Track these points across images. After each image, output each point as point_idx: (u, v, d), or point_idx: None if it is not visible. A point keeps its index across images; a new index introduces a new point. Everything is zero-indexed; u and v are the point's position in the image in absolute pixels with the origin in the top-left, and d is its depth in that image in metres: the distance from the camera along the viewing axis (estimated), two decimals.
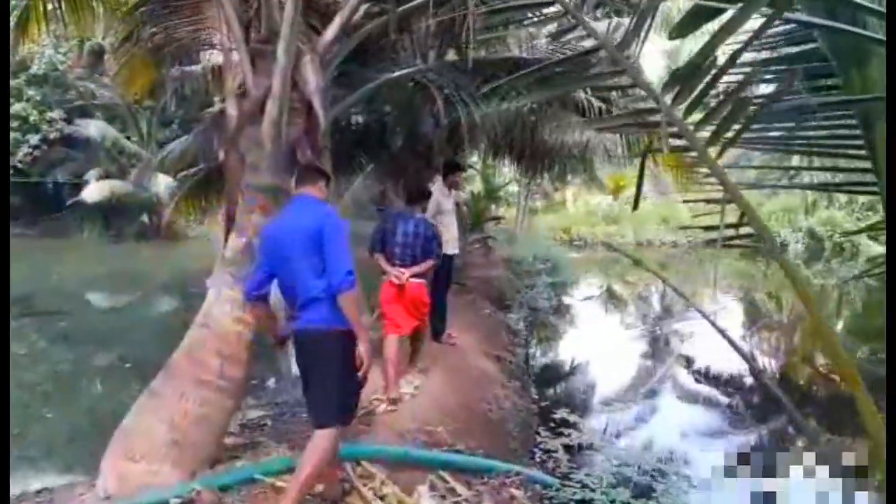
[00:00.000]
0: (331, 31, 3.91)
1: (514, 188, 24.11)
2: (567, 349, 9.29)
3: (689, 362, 9.18)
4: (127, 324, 10.86)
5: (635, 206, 2.89)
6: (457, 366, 5.52)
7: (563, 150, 9.02)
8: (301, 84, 3.79)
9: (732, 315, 14.37)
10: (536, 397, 6.19)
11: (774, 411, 7.12)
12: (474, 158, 14.83)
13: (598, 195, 31.34)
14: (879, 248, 22.56)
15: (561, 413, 5.80)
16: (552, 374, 8.07)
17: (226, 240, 3.87)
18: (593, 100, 8.31)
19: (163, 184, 19.79)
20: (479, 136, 8.87)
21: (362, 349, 3.00)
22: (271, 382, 7.03)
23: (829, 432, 6.57)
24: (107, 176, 21.10)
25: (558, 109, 7.15)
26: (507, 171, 21.49)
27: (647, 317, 13.48)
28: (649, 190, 26.89)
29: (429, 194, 5.95)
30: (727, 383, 8.17)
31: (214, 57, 9.50)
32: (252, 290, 3.28)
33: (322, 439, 2.99)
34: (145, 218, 22.70)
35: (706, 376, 8.42)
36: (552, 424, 5.45)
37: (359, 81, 5.92)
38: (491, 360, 6.20)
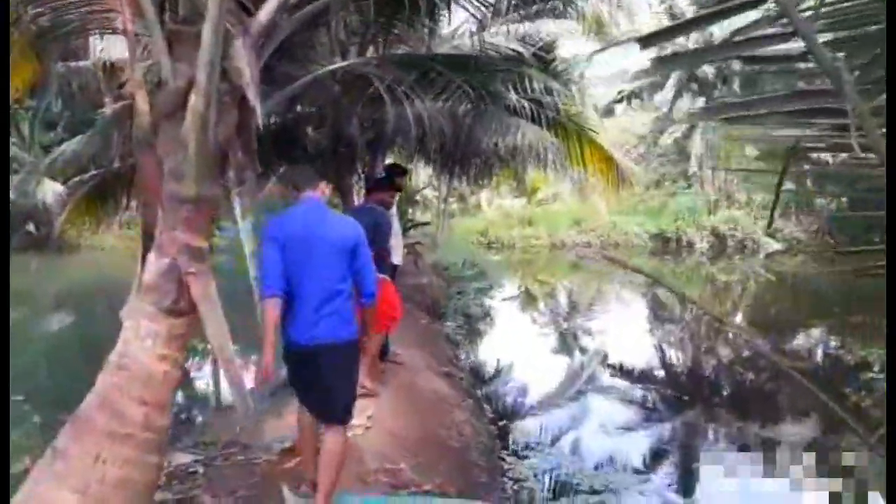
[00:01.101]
0: (266, 11, 3.32)
1: (428, 192, 23.80)
2: (503, 355, 9.00)
3: (604, 358, 9.41)
4: (15, 346, 9.58)
5: (770, 223, 2.44)
6: (408, 388, 5.03)
7: (498, 153, 8.74)
8: (231, 73, 3.19)
9: (639, 310, 14.92)
10: (492, 415, 5.79)
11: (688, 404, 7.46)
12: (388, 161, 14.39)
13: (509, 198, 31.62)
14: (776, 245, 24.07)
15: (518, 429, 5.50)
16: (497, 385, 7.79)
17: (143, 261, 3.20)
18: (525, 102, 8.04)
19: (50, 190, 17.97)
20: (410, 137, 8.40)
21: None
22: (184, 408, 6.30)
23: (740, 420, 6.76)
24: None
25: (498, 111, 6.80)
26: (421, 175, 21.17)
27: (560, 314, 13.75)
28: (564, 190, 27.33)
29: (393, 184, 5.54)
30: (641, 377, 8.46)
31: (107, 51, 8.54)
32: (280, 287, 3.13)
33: (338, 442, 3.17)
34: (31, 227, 20.61)
35: (621, 370, 8.66)
36: (514, 446, 5.08)
37: (280, 78, 5.33)
38: (440, 378, 5.75)
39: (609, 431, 6.14)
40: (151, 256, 3.17)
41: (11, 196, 18.47)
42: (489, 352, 9.40)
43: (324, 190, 3.42)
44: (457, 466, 4.10)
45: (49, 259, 18.82)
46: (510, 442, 5.36)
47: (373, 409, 4.47)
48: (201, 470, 3.84)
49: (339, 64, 5.10)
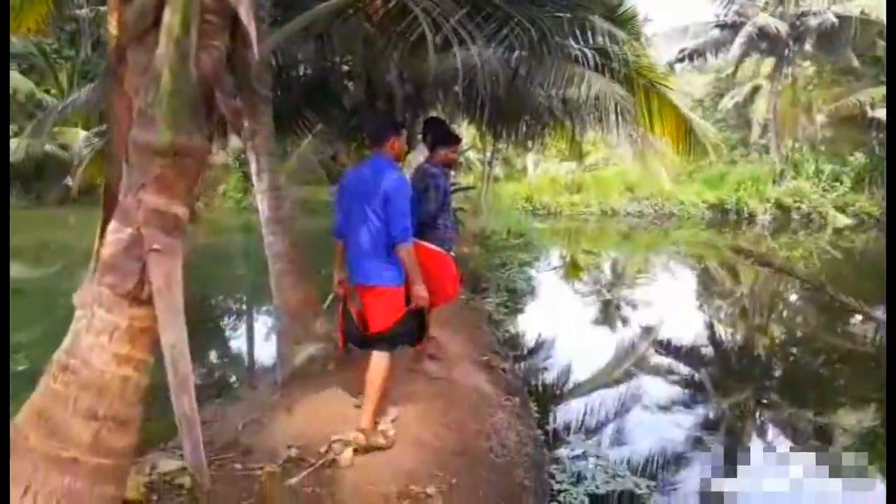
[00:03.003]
0: None
1: (472, 154, 22.81)
2: (546, 329, 8.27)
3: (651, 334, 8.70)
4: (52, 300, 9.24)
5: None
6: (443, 385, 4.27)
7: (552, 108, 7.77)
8: None
9: (687, 284, 14.04)
10: (538, 414, 5.01)
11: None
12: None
13: (554, 162, 30.32)
14: (846, 220, 22.45)
15: (569, 435, 4.75)
16: (538, 362, 7.12)
17: (102, 232, 2.46)
18: (588, 51, 7.03)
19: (83, 141, 17.60)
20: (454, 89, 7.48)
21: (419, 291, 3.46)
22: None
23: (792, 404, 6.16)
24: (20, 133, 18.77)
25: (560, 58, 5.81)
26: (464, 135, 20.20)
27: (610, 285, 12.87)
28: (616, 155, 25.98)
29: (456, 139, 4.91)
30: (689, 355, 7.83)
31: None
32: (338, 232, 3.73)
33: (382, 361, 3.49)
34: (69, 181, 20.42)
35: (667, 348, 8.00)
36: (565, 454, 4.33)
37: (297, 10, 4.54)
38: (481, 371, 4.96)
39: (659, 417, 5.68)
40: (112, 225, 2.43)
41: (46, 147, 18.22)
42: (530, 324, 8.70)
43: (393, 144, 3.60)
44: (499, 489, 3.33)
45: (86, 213, 18.62)
46: (558, 444, 4.64)
47: (398, 411, 3.73)
48: (188, 482, 3.15)
49: None
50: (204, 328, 8.64)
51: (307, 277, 4.84)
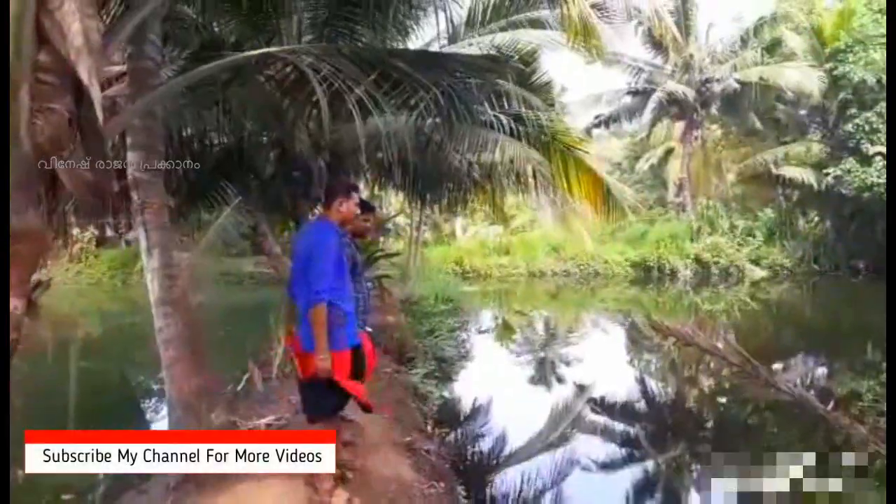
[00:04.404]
0: None
1: (401, 219, 22.74)
2: (482, 402, 7.96)
3: (584, 391, 8.78)
4: None
5: None
6: (357, 477, 3.83)
7: (472, 174, 7.69)
8: (54, 37, 2.05)
9: (617, 339, 14.34)
10: (467, 498, 4.63)
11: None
12: (360, 185, 13.37)
13: (484, 225, 30.71)
14: (761, 273, 23.38)
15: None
16: (473, 429, 6.91)
17: None
18: (503, 117, 7.04)
19: None
20: (373, 158, 7.31)
21: (320, 362, 3.27)
22: None
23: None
24: None
25: (473, 124, 5.70)
26: (392, 201, 20.13)
27: (544, 346, 12.84)
28: (541, 217, 26.46)
29: (367, 206, 4.42)
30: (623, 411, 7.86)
31: None
32: (290, 292, 3.70)
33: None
34: None
35: (602, 405, 8.04)
36: None
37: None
38: (403, 455, 4.54)
39: (598, 478, 5.79)
40: None
41: None
42: (463, 391, 8.44)
43: (339, 207, 3.52)
44: None
45: None
46: None
47: None
48: None
49: (262, 50, 3.88)
50: (122, 412, 7.95)
51: (204, 363, 4.37)
